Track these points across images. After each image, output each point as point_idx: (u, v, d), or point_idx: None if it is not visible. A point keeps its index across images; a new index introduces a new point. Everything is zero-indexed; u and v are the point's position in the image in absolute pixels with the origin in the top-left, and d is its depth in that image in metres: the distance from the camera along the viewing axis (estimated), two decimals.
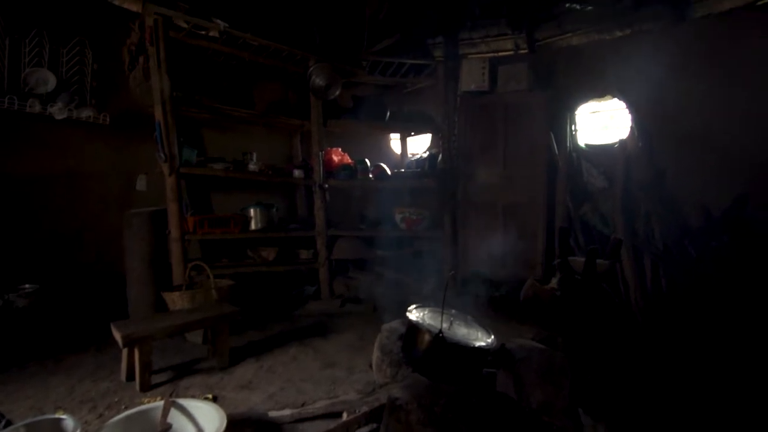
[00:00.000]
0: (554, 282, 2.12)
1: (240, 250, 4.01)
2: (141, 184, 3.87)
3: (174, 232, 3.35)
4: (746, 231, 3.10)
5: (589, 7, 3.49)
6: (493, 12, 4.04)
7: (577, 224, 3.88)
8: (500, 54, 4.34)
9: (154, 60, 3.16)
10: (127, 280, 3.37)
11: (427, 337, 1.69)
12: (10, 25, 3.17)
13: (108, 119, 3.53)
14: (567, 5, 3.50)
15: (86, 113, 3.40)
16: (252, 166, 3.91)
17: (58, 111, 3.25)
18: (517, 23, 3.95)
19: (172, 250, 3.37)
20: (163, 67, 3.17)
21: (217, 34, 3.42)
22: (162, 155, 3.23)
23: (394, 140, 5.65)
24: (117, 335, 2.28)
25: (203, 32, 3.38)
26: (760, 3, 3.12)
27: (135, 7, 3.52)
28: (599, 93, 4.08)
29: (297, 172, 4.13)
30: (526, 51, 4.21)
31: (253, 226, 3.91)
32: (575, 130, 4.15)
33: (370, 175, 4.45)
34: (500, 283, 3.97)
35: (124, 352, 2.42)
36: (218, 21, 3.28)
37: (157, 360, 2.62)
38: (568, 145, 4.06)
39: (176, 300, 3.02)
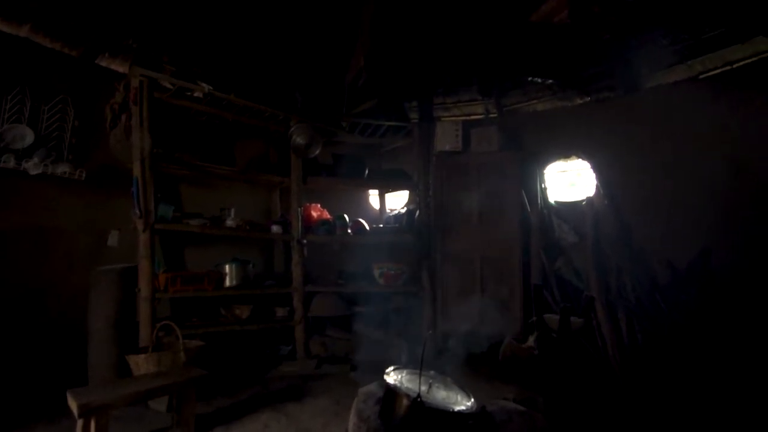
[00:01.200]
0: (531, 340, 2.13)
1: (213, 308, 3.87)
2: (113, 240, 3.77)
3: (144, 290, 3.23)
4: (711, 284, 3.22)
5: (549, 81, 3.80)
6: (464, 79, 4.34)
7: (552, 279, 3.95)
8: (472, 117, 4.62)
9: (136, 118, 3.21)
10: (89, 342, 3.18)
11: (405, 402, 1.64)
12: None
13: (84, 175, 3.49)
14: (529, 79, 3.80)
15: (62, 169, 3.37)
16: (229, 222, 3.89)
17: (33, 166, 3.22)
18: (486, 90, 4.25)
19: (140, 309, 3.23)
20: (146, 125, 3.22)
21: (201, 95, 3.54)
22: (137, 211, 3.19)
23: (373, 196, 5.76)
24: (73, 404, 2.11)
25: (188, 93, 3.49)
26: (702, 76, 3.49)
27: (122, 68, 3.65)
28: (565, 154, 4.34)
29: (275, 228, 4.12)
30: (495, 115, 4.50)
31: (227, 283, 3.81)
32: (545, 188, 4.35)
33: (349, 231, 4.48)
34: (480, 340, 3.91)
35: (80, 423, 2.22)
36: (203, 84, 3.41)
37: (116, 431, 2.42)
38: (539, 202, 4.24)
39: (141, 363, 2.84)
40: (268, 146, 4.66)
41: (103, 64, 3.66)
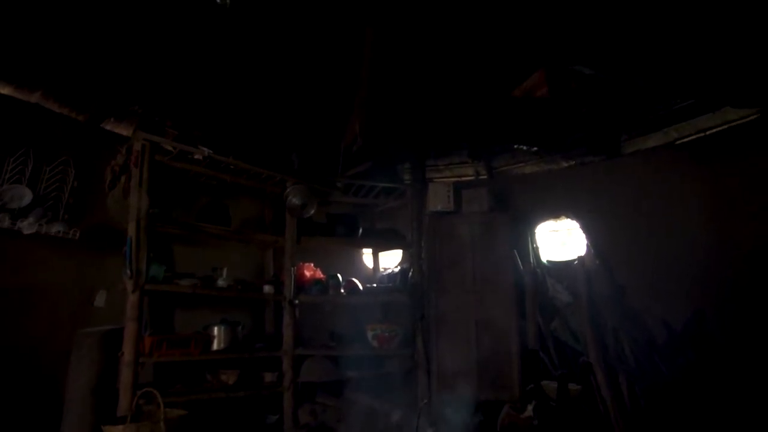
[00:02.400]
0: (530, 410, 2.05)
1: (198, 373, 3.70)
2: (100, 300, 3.68)
3: (128, 354, 3.11)
4: (708, 346, 3.18)
5: (534, 148, 4.02)
6: (454, 144, 4.56)
7: (549, 341, 3.88)
8: (463, 179, 4.78)
9: (136, 180, 3.29)
10: (65, 409, 2.99)
11: None
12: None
13: (78, 234, 3.49)
14: (515, 146, 4.02)
15: (56, 228, 3.38)
16: (221, 282, 3.85)
17: (27, 226, 3.22)
18: (475, 154, 4.45)
19: (122, 374, 3.09)
20: (144, 187, 3.29)
21: (201, 157, 3.66)
22: (128, 271, 3.16)
23: (367, 255, 5.77)
24: None
25: (189, 156, 3.61)
26: (678, 142, 3.70)
27: (126, 132, 3.80)
28: (555, 214, 4.46)
29: (267, 288, 4.07)
30: (486, 176, 4.67)
31: (215, 346, 3.68)
32: (537, 248, 4.41)
33: (342, 291, 4.43)
34: (477, 406, 3.75)
35: None
36: (203, 148, 3.54)
37: None
38: (532, 261, 4.27)
39: None
40: (263, 206, 4.73)
41: (108, 128, 3.81)
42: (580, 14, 2.62)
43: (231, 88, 3.68)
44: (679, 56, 2.89)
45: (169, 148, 3.52)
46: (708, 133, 3.50)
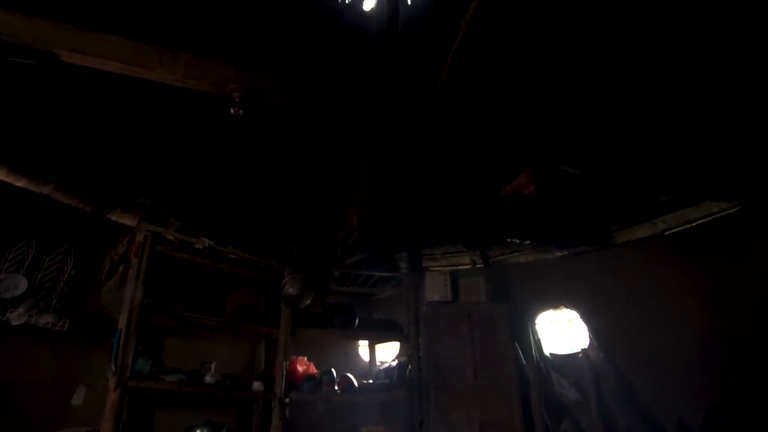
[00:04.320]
0: None
1: None
2: (78, 397, 3.45)
3: None
4: None
5: (527, 242, 4.13)
6: (449, 234, 4.67)
7: None
8: (459, 267, 4.81)
9: (134, 270, 3.30)
10: None
11: None
12: (4, 234, 3.37)
13: (66, 325, 3.40)
14: (508, 239, 4.14)
15: (45, 319, 3.30)
16: (209, 378, 3.65)
17: (16, 317, 3.16)
18: (470, 244, 4.54)
19: None
20: (141, 278, 3.30)
21: (201, 247, 3.71)
22: (113, 366, 3.02)
23: (363, 347, 5.54)
24: None
25: (189, 246, 3.67)
26: (667, 233, 3.80)
27: (130, 222, 3.90)
28: (554, 304, 4.40)
29: (256, 384, 3.85)
30: (482, 265, 4.70)
31: None
32: (539, 340, 4.28)
33: (336, 387, 4.18)
34: None
35: None
36: (204, 239, 3.62)
37: None
38: (534, 354, 4.11)
39: None
40: (259, 295, 4.68)
41: (113, 218, 3.93)
42: (564, 121, 2.90)
43: (235, 184, 3.88)
44: (657, 156, 3.13)
45: (171, 238, 3.59)
46: (695, 224, 3.62)
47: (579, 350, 3.95)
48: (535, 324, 4.36)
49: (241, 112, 2.26)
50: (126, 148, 3.54)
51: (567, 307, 4.29)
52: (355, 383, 4.30)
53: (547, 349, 4.25)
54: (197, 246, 3.71)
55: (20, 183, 3.45)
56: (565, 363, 4.04)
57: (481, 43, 2.22)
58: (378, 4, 2.85)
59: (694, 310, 3.42)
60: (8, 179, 3.34)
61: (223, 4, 2.55)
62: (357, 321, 4.72)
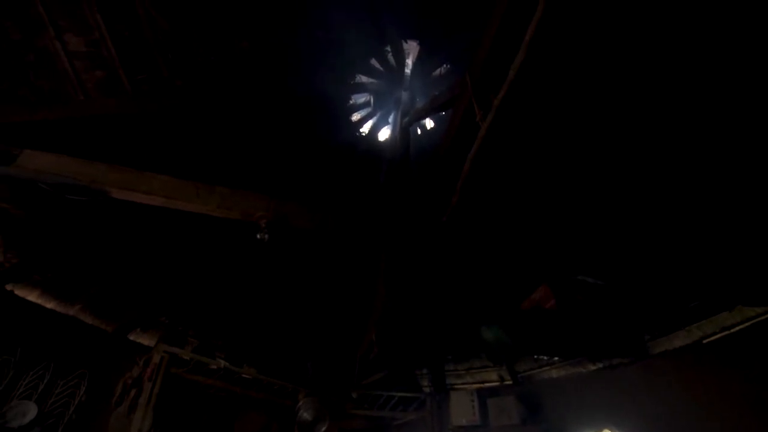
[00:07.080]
0: None
1: None
2: None
3: None
4: None
5: (555, 358, 3.91)
6: (473, 348, 4.45)
7: None
8: (486, 385, 4.47)
9: (145, 395, 3.20)
10: None
11: None
12: (24, 357, 3.38)
13: None
14: (535, 357, 3.93)
15: None
16: None
17: None
18: (495, 359, 4.28)
19: None
20: (152, 403, 3.18)
21: (216, 367, 3.62)
22: None
23: None
24: None
25: (204, 367, 3.59)
26: (705, 341, 3.55)
27: (147, 342, 3.89)
28: (595, 426, 3.96)
29: None
30: (511, 382, 4.37)
31: None
32: None
33: None
34: None
35: None
36: (220, 360, 3.55)
37: None
38: None
39: None
40: (271, 421, 4.37)
41: (132, 338, 3.94)
42: (577, 233, 2.95)
43: (254, 302, 3.94)
44: (681, 261, 3.07)
45: (187, 358, 3.53)
46: (733, 330, 3.41)
47: None
48: None
49: (266, 237, 2.40)
50: (150, 269, 3.71)
51: (609, 429, 3.84)
52: None
53: None
54: (212, 367, 3.62)
55: (50, 305, 3.58)
56: None
57: (487, 175, 2.38)
58: (392, 134, 3.19)
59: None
60: (39, 301, 3.47)
61: (253, 140, 2.89)
62: None
